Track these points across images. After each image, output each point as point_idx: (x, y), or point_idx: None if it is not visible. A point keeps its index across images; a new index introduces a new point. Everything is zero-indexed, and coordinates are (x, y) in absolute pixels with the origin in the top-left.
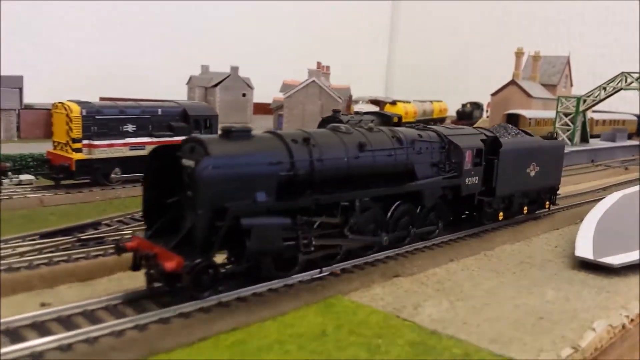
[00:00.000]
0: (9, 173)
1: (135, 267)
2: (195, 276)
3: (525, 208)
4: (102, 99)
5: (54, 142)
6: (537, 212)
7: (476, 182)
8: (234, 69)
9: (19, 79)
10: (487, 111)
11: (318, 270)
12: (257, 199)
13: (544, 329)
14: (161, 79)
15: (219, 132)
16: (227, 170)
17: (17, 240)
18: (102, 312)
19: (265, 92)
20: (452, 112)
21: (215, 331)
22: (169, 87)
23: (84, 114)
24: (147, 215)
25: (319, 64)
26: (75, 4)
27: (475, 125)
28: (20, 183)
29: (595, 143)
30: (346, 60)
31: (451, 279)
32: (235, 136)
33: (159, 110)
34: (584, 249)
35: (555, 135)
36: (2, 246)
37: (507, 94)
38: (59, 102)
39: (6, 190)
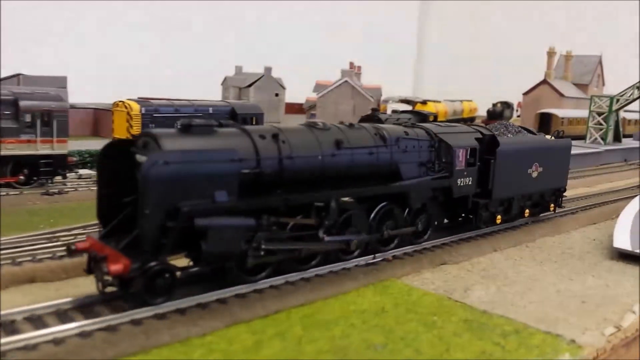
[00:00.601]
0: (75, 167)
1: (89, 269)
2: (148, 281)
3: (527, 211)
4: (140, 98)
5: (114, 138)
6: (541, 215)
7: (470, 183)
8: (267, 70)
9: (64, 79)
10: (517, 110)
11: (372, 256)
12: (216, 198)
13: (586, 311)
14: (196, 80)
15: (178, 126)
16: (181, 167)
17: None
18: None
19: (295, 92)
20: (481, 112)
21: (287, 306)
22: (205, 87)
23: (143, 111)
24: (101, 214)
25: (351, 64)
26: (112, 7)
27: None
28: (80, 177)
29: (628, 142)
30: (374, 60)
31: (495, 267)
32: (195, 131)
33: (210, 108)
34: (622, 241)
35: (561, 134)
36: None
37: (538, 93)
38: (120, 101)
39: (71, 183)
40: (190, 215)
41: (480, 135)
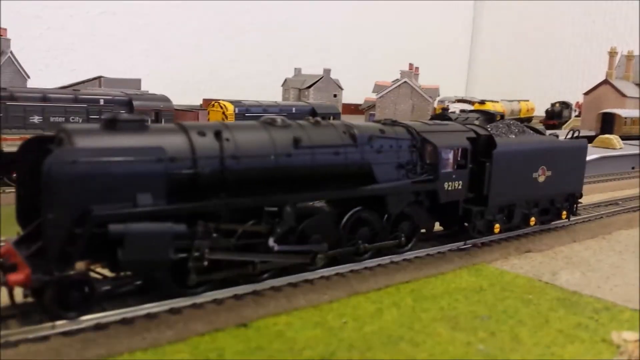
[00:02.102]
0: None
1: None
2: (58, 292)
3: (533, 219)
4: (205, 100)
5: None
6: (553, 223)
7: (459, 187)
8: (326, 71)
9: (138, 81)
10: (575, 110)
11: (462, 242)
12: (138, 202)
13: None
14: (256, 81)
15: (103, 121)
16: (93, 167)
17: None
18: None
19: (350, 93)
20: (538, 112)
21: (395, 281)
22: (265, 88)
23: (237, 111)
24: (20, 216)
25: (410, 65)
26: (180, 11)
27: (565, 125)
28: None
29: None
30: (429, 61)
31: (577, 255)
32: (121, 127)
33: (293, 108)
34: None
35: (577, 134)
36: None
37: (600, 93)
38: (215, 101)
39: None
40: (104, 221)
41: (474, 135)
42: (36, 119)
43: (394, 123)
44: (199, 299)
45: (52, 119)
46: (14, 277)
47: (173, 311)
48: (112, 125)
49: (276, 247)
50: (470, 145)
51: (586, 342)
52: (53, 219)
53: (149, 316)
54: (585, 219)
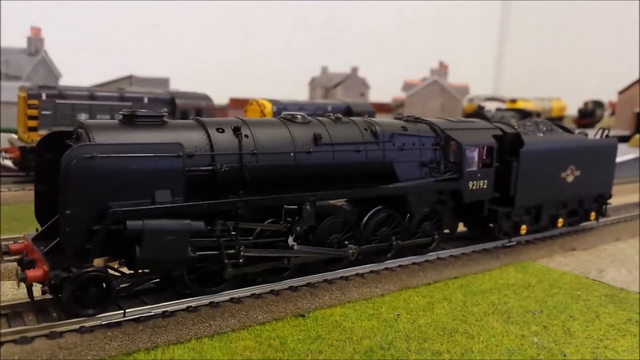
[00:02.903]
0: None
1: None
2: (76, 289)
3: (561, 220)
4: (231, 99)
5: None
6: (581, 225)
7: (484, 186)
8: (354, 70)
9: (166, 80)
10: (608, 110)
11: (507, 240)
12: (156, 198)
13: None
14: (282, 80)
15: (120, 116)
16: (112, 162)
17: None
18: None
19: (377, 91)
20: (569, 111)
21: (443, 277)
22: (291, 87)
23: (274, 109)
24: (39, 213)
25: (440, 62)
26: (203, 11)
27: (598, 125)
28: None
29: None
30: (457, 58)
31: (621, 253)
32: (139, 122)
33: (329, 106)
34: None
35: (607, 133)
36: None
37: (635, 92)
38: (254, 100)
39: None
40: (122, 218)
41: (500, 133)
42: (84, 117)
43: (416, 120)
44: (258, 290)
45: (98, 117)
46: (32, 273)
47: (234, 301)
48: (130, 121)
49: (295, 247)
50: (496, 143)
51: (637, 336)
52: (71, 215)
53: (212, 305)
54: (628, 218)
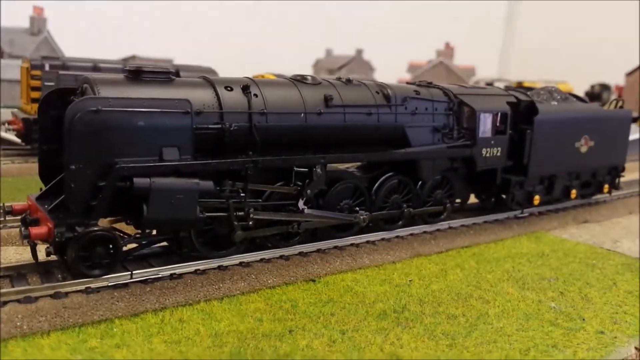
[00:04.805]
0: None
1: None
2: (83, 248)
3: (574, 192)
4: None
5: None
6: (594, 197)
7: (498, 154)
8: (358, 52)
9: (170, 61)
10: (614, 93)
11: (520, 211)
12: (164, 156)
13: None
14: (286, 62)
15: (127, 72)
16: (118, 117)
17: None
18: None
19: (383, 73)
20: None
21: (455, 246)
22: (295, 70)
23: None
24: (43, 172)
25: (446, 44)
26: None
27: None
28: None
29: None
30: (462, 40)
31: (634, 225)
32: (146, 78)
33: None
34: None
35: (621, 104)
36: None
37: None
38: (260, 75)
39: None
40: (129, 174)
41: (514, 100)
42: None
43: (429, 85)
44: (267, 254)
45: None
46: (36, 230)
47: (243, 265)
48: (136, 77)
49: (306, 210)
50: (510, 110)
51: None
52: (75, 170)
53: (221, 268)
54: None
